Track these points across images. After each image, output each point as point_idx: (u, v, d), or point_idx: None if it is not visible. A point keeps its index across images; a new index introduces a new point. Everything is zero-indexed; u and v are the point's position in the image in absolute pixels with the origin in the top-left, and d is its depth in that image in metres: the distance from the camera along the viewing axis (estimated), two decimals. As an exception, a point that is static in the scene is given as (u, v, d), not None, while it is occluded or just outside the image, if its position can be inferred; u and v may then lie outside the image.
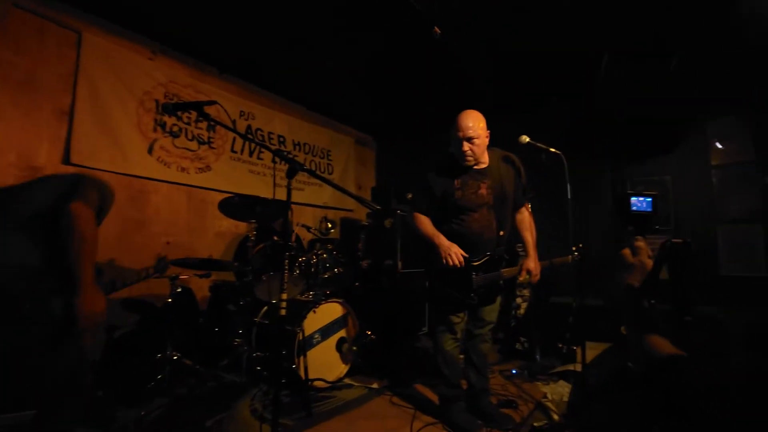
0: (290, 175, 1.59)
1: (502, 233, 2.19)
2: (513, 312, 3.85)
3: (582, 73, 3.64)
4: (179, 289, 2.73)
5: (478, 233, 2.13)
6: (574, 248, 2.28)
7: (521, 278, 2.24)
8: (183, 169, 3.50)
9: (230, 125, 1.64)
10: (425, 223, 2.19)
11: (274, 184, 2.11)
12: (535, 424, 2.17)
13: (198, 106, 1.52)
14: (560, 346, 3.40)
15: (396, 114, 5.04)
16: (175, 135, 3.45)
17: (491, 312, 2.30)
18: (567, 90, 4.11)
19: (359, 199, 1.63)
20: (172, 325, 2.61)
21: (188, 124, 3.57)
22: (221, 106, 1.71)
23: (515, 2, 2.80)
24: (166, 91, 3.41)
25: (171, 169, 3.39)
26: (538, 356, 3.34)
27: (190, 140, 3.58)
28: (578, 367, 2.41)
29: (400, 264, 3.98)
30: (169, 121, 3.43)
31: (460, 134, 2.07)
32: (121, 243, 3.02)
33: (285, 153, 1.60)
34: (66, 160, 2.82)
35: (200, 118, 3.68)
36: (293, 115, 4.65)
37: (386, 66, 3.80)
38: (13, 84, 2.65)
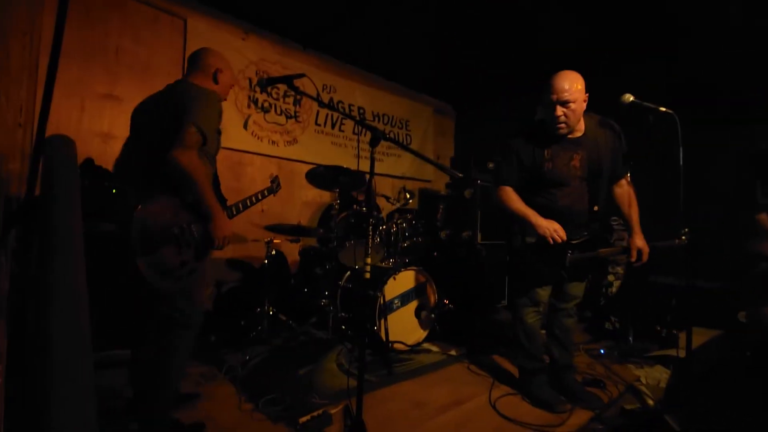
0: (373, 143, 1.62)
1: (596, 208, 2.01)
2: (604, 290, 3.58)
3: (697, 19, 3.08)
4: (273, 252, 3.01)
5: (569, 208, 1.98)
6: (684, 230, 1.96)
7: (632, 259, 2.01)
8: (273, 142, 3.77)
9: (315, 97, 1.71)
10: (514, 198, 2.02)
11: (358, 155, 2.17)
12: (626, 406, 2.04)
13: (288, 80, 1.62)
14: (658, 329, 3.10)
15: (475, 80, 4.78)
16: (266, 110, 3.71)
17: (578, 287, 2.18)
18: (674, 43, 3.51)
19: (439, 166, 1.61)
20: (268, 283, 2.90)
21: (277, 99, 3.80)
22: (309, 79, 1.79)
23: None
24: (257, 69, 3.65)
25: (263, 143, 3.68)
26: (631, 338, 3.09)
27: (279, 115, 3.82)
28: (681, 353, 2.19)
29: (479, 235, 3.90)
30: (261, 97, 3.69)
31: (554, 97, 1.86)
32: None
33: (367, 122, 1.63)
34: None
35: (288, 94, 3.90)
36: (373, 86, 4.68)
37: (463, 29, 3.60)
38: (137, 70, 3.05)
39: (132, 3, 3.05)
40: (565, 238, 1.89)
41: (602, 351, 2.89)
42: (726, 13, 2.96)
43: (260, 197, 2.14)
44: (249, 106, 3.61)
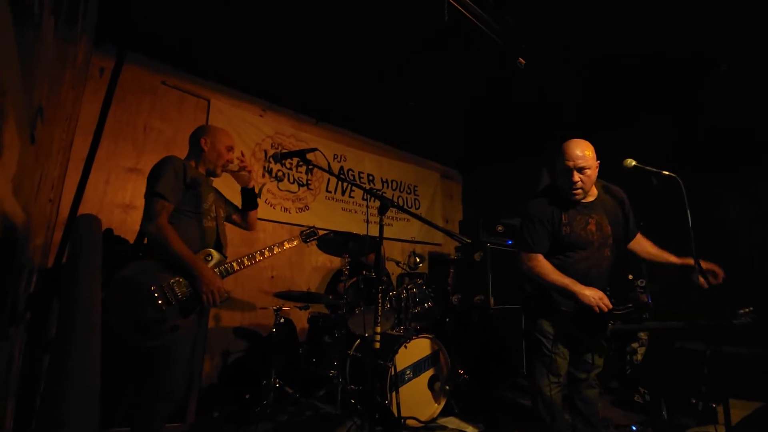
0: (382, 211, 1.68)
1: (630, 277, 2.00)
2: (628, 357, 3.38)
3: (690, 82, 3.27)
4: (282, 320, 2.95)
5: (585, 273, 1.95)
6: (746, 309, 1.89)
7: (704, 285, 1.87)
8: (285, 210, 3.88)
9: (327, 168, 1.81)
10: (549, 267, 1.94)
11: (368, 221, 2.21)
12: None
13: (301, 154, 1.73)
14: (693, 401, 2.86)
15: (480, 145, 5.02)
16: (279, 179, 3.88)
17: (599, 355, 2.07)
18: (669, 102, 3.69)
19: (447, 232, 1.65)
20: (275, 353, 2.82)
21: (290, 169, 3.99)
22: (321, 152, 1.90)
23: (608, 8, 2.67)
24: (273, 142, 3.88)
25: (276, 210, 3.79)
26: (664, 412, 2.85)
27: (291, 183, 3.99)
28: (721, 430, 2.00)
29: (492, 300, 3.81)
30: (275, 167, 3.88)
31: (570, 164, 1.91)
32: (235, 277, 3.41)
33: (376, 191, 1.71)
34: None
35: (300, 163, 4.09)
36: (381, 154, 4.91)
37: (469, 99, 3.86)
38: (161, 146, 3.27)
39: (162, 87, 3.36)
40: (610, 306, 1.84)
41: (634, 428, 2.65)
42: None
43: (280, 248, 2.22)
44: (263, 176, 3.78)
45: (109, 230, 2.66)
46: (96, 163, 2.98)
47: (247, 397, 2.76)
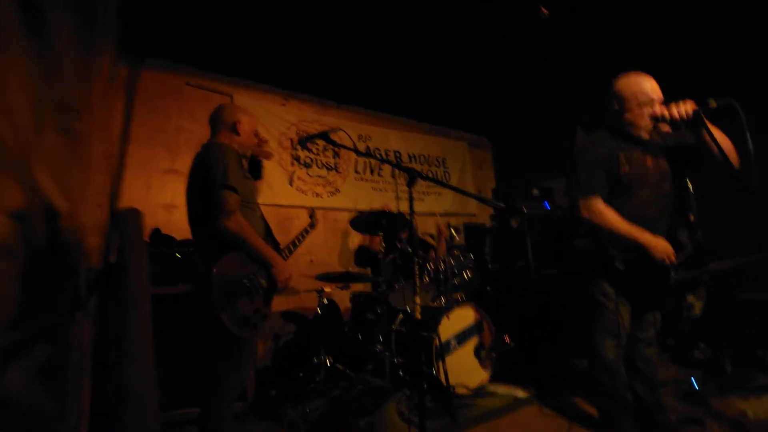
0: (410, 183, 1.66)
1: (691, 218, 1.88)
2: (684, 313, 3.22)
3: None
4: (325, 301, 3.05)
5: (644, 215, 1.83)
6: None
7: None
8: (317, 195, 3.94)
9: (352, 147, 1.80)
10: (612, 214, 1.78)
11: (398, 197, 2.21)
12: (736, 448, 1.75)
13: (324, 135, 1.73)
14: (761, 353, 2.70)
15: (508, 109, 4.80)
16: (308, 166, 3.93)
17: (657, 312, 1.98)
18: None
19: (478, 198, 1.61)
20: (322, 333, 2.92)
21: (317, 154, 4.03)
22: (344, 131, 1.90)
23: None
24: (297, 129, 3.92)
25: (307, 196, 3.86)
26: (728, 366, 2.71)
27: (320, 168, 4.03)
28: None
29: (533, 264, 3.72)
30: (302, 154, 3.93)
31: (654, 96, 1.79)
32: (276, 264, 3.54)
33: (403, 164, 1.68)
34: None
35: (327, 148, 4.12)
36: (406, 129, 4.84)
37: (492, 61, 3.69)
38: (193, 145, 3.37)
39: (187, 88, 3.46)
40: (675, 260, 1.73)
41: (695, 384, 2.54)
42: None
43: (305, 234, 2.25)
44: (292, 164, 3.84)
45: (157, 230, 2.82)
46: (137, 169, 3.17)
47: (300, 375, 2.89)
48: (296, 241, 2.14)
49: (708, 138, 1.66)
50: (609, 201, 1.87)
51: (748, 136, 1.46)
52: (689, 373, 2.76)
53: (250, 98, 3.71)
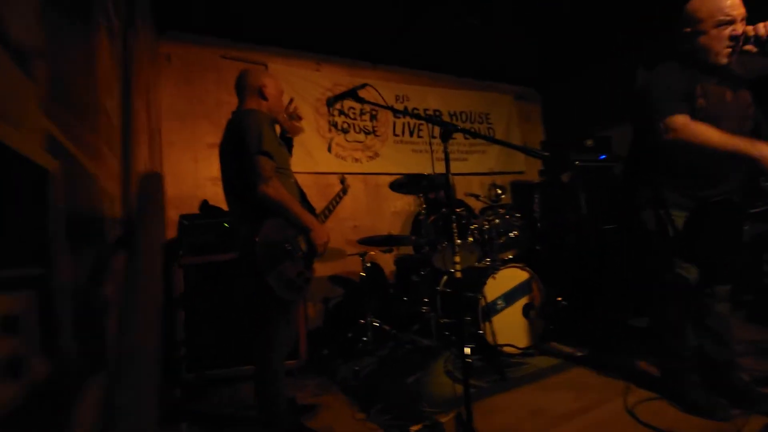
0: (444, 138, 1.57)
1: None
2: (765, 267, 2.89)
3: None
4: (369, 264, 3.08)
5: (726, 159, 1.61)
6: None
7: None
8: (356, 160, 3.91)
9: (384, 104, 1.72)
10: (701, 125, 1.54)
11: (432, 158, 2.11)
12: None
13: (352, 93, 1.66)
14: None
15: (557, 51, 4.36)
16: (345, 131, 3.89)
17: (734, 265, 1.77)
18: None
19: (520, 148, 1.48)
20: (368, 295, 2.98)
21: (354, 119, 3.96)
22: (373, 87, 1.81)
23: None
24: (333, 94, 3.84)
25: (347, 161, 3.84)
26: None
27: (358, 133, 3.97)
28: None
29: (587, 219, 3.49)
30: (339, 120, 3.88)
31: (736, 13, 1.54)
32: (321, 230, 3.62)
33: (436, 117, 1.59)
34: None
35: (364, 111, 4.03)
36: (446, 86, 4.60)
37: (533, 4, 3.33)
38: (233, 118, 3.46)
39: (223, 61, 3.49)
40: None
41: (775, 342, 2.30)
42: None
43: (338, 199, 2.26)
44: (330, 131, 3.82)
45: (205, 201, 2.95)
46: (184, 144, 3.32)
47: (349, 336, 2.99)
48: (330, 207, 2.14)
49: None
50: None
51: None
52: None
53: (284, 66, 3.68)
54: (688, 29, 1.65)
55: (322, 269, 3.72)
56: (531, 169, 4.95)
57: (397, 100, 4.20)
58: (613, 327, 2.90)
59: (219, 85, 3.44)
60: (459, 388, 1.94)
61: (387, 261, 3.64)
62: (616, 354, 2.43)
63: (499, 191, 3.46)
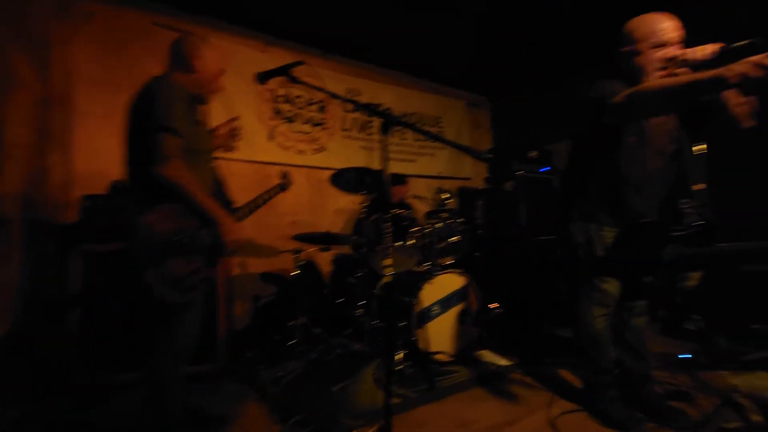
0: (384, 130, 1.44)
1: (698, 187, 1.71)
2: (678, 284, 3.09)
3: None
4: (304, 263, 2.90)
5: (655, 174, 1.71)
6: None
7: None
8: (301, 152, 3.70)
9: (318, 87, 1.57)
10: (645, 85, 1.54)
11: (372, 153, 2.00)
12: (726, 425, 1.65)
13: (284, 70, 1.50)
14: (755, 327, 2.59)
15: (510, 68, 4.45)
16: (291, 120, 3.66)
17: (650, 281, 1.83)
18: None
19: (459, 147, 1.39)
20: (301, 295, 2.79)
21: (301, 108, 3.74)
22: (311, 66, 1.65)
23: None
24: (279, 79, 3.61)
25: (290, 153, 3.62)
26: (721, 339, 2.60)
27: (305, 123, 3.76)
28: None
29: (526, 229, 3.55)
30: (285, 107, 3.65)
31: (662, 37, 1.58)
32: (255, 224, 3.34)
33: (374, 106, 1.46)
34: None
35: (312, 101, 3.83)
36: (400, 85, 4.53)
37: (494, 15, 3.34)
38: (162, 92, 3.11)
39: (155, 29, 3.13)
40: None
41: (684, 357, 2.44)
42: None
43: (271, 194, 2.02)
44: (273, 118, 3.57)
45: (117, 182, 2.60)
46: (101, 116, 2.92)
47: (277, 338, 2.79)
48: (259, 201, 1.91)
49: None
50: (619, 156, 1.70)
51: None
52: (680, 345, 2.66)
53: (227, 43, 3.39)
54: (626, 48, 1.69)
55: (255, 264, 3.47)
56: (478, 176, 5.02)
57: (348, 92, 4.04)
58: (543, 337, 2.96)
59: (148, 54, 3.07)
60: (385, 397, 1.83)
61: (325, 260, 3.47)
62: (544, 364, 2.46)
63: (445, 196, 3.42)
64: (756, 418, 1.73)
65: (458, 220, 3.05)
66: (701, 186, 1.70)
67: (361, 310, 2.79)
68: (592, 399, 1.87)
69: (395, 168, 4.23)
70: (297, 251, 2.80)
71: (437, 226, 2.94)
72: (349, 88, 4.05)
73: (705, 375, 2.20)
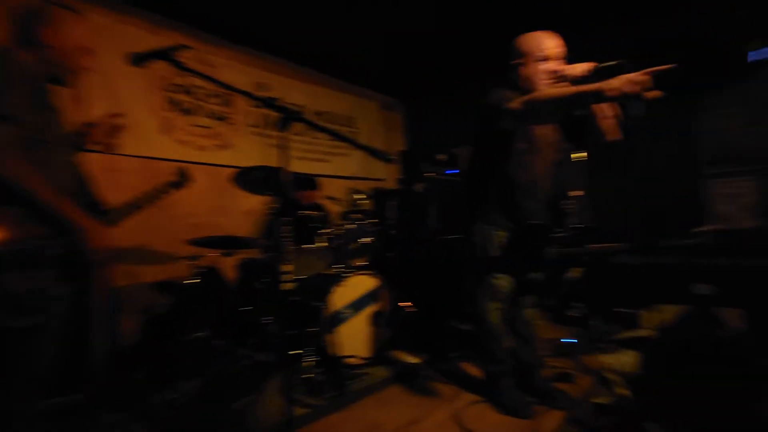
0: (282, 125, 1.35)
1: (577, 194, 1.90)
2: (564, 276, 3.47)
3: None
4: (205, 269, 2.65)
5: (537, 181, 1.87)
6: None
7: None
8: (201, 148, 3.39)
9: (203, 74, 1.41)
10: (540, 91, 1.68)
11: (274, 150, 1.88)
12: (597, 400, 1.86)
13: (164, 53, 1.31)
14: (618, 310, 3.01)
15: (421, 71, 4.61)
16: (189, 112, 3.32)
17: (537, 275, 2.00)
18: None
19: (361, 147, 1.36)
20: (201, 305, 2.54)
21: (201, 100, 3.43)
22: (195, 50, 1.48)
23: None
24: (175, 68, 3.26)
25: (188, 149, 3.29)
26: (596, 323, 2.97)
27: (206, 117, 3.45)
28: (646, 333, 2.07)
29: (435, 230, 3.69)
30: (183, 98, 3.30)
31: (544, 53, 1.75)
32: (145, 227, 2.96)
33: (274, 100, 1.36)
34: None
35: (216, 94, 3.53)
36: (313, 83, 4.40)
37: (408, 16, 3.41)
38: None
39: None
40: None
41: (567, 341, 2.74)
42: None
43: (159, 193, 1.77)
44: (167, 109, 3.21)
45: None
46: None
47: (173, 353, 2.49)
48: (141, 201, 1.66)
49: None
50: (505, 162, 1.84)
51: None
52: (566, 332, 2.98)
53: (111, 20, 2.95)
54: (515, 61, 1.84)
55: (146, 273, 3.08)
56: (392, 177, 5.10)
57: (258, 87, 3.81)
58: (449, 333, 3.09)
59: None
60: (295, 410, 1.74)
61: (229, 266, 3.21)
62: (450, 359, 2.56)
63: (359, 197, 3.40)
64: (623, 392, 1.99)
65: (370, 221, 3.05)
66: (578, 192, 1.90)
67: (268, 317, 2.63)
68: (492, 389, 1.98)
69: (308, 168, 4.10)
70: (195, 257, 2.54)
71: (348, 227, 2.90)
72: (258, 82, 3.82)
73: (585, 357, 2.48)
